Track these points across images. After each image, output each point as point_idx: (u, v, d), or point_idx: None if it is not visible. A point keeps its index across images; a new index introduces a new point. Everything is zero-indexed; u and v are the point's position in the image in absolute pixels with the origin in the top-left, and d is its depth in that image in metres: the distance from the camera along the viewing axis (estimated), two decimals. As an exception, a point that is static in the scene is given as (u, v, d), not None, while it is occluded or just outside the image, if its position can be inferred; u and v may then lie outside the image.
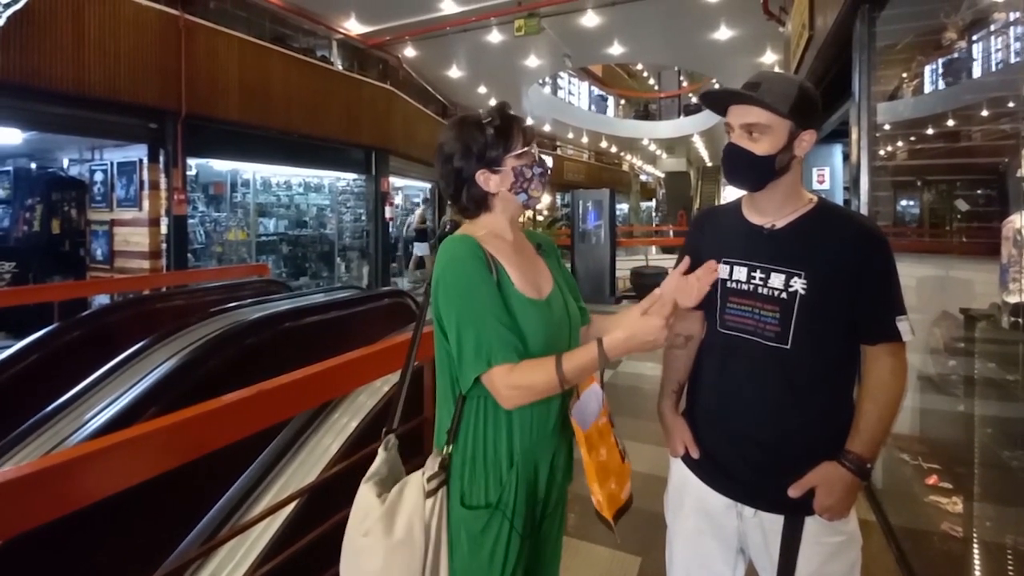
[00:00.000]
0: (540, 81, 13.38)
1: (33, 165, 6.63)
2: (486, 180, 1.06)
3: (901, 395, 1.08)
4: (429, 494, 0.96)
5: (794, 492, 1.05)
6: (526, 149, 1.07)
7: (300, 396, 1.48)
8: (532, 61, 10.33)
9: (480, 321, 0.96)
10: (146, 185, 5.85)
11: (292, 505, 1.54)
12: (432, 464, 0.99)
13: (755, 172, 1.09)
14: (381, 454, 1.07)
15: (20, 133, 5.49)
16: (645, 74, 21.66)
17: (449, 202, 1.14)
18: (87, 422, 2.28)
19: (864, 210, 2.55)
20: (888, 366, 1.06)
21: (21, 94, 4.67)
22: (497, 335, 0.95)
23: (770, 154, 1.06)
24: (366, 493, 1.00)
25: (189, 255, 6.37)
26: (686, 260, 1.08)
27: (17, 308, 4.63)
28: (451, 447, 1.01)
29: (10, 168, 6.49)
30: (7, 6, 4.34)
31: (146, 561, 1.60)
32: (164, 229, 5.94)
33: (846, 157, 4.19)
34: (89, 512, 1.05)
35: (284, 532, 1.58)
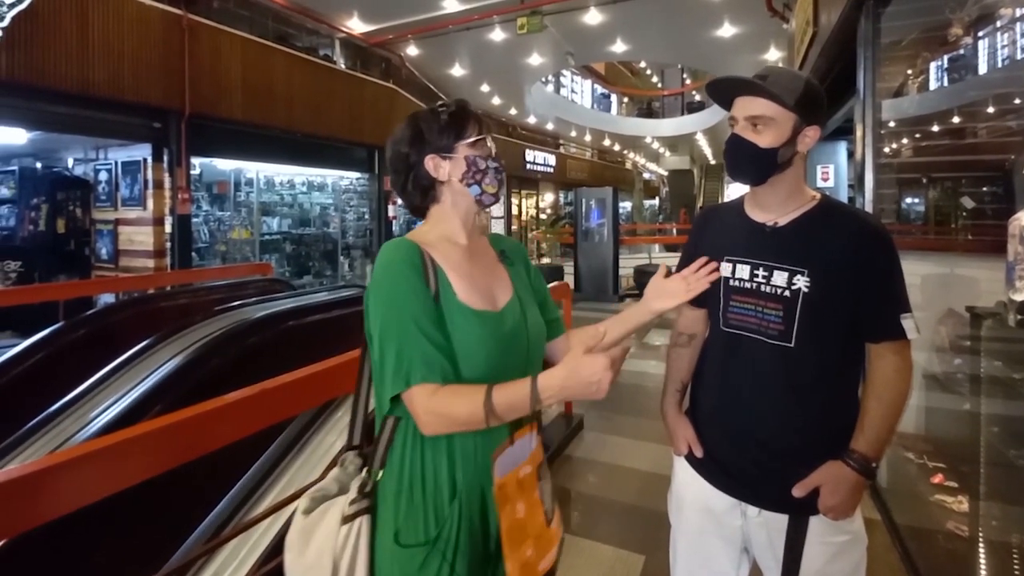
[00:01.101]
0: (543, 79, 13.36)
1: (38, 165, 6.66)
2: (436, 166, 0.99)
3: (906, 394, 1.07)
4: (345, 520, 0.87)
5: (798, 492, 1.05)
6: (481, 138, 1.01)
7: (303, 395, 1.48)
8: (535, 59, 10.31)
9: (404, 334, 0.86)
10: (150, 184, 5.87)
11: (295, 504, 1.54)
12: (356, 487, 0.90)
13: (757, 165, 1.08)
14: (335, 471, 0.98)
15: (25, 133, 5.52)
16: (648, 72, 21.61)
17: (399, 198, 1.07)
18: (92, 420, 2.29)
19: (869, 207, 2.54)
20: (893, 364, 1.06)
21: (26, 94, 4.69)
22: (420, 351, 0.86)
23: (773, 147, 1.05)
24: (301, 502, 0.93)
25: (193, 254, 6.39)
26: (663, 266, 1.09)
27: (23, 307, 4.66)
28: (379, 472, 0.92)
29: (15, 168, 6.52)
30: (11, 6, 4.35)
31: (151, 559, 1.61)
32: (168, 228, 5.96)
33: (850, 154, 4.17)
34: (93, 511, 1.06)
35: (287, 531, 1.59)
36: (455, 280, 0.94)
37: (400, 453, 0.91)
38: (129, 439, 1.10)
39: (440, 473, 0.89)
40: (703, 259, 1.10)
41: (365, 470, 0.94)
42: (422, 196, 1.02)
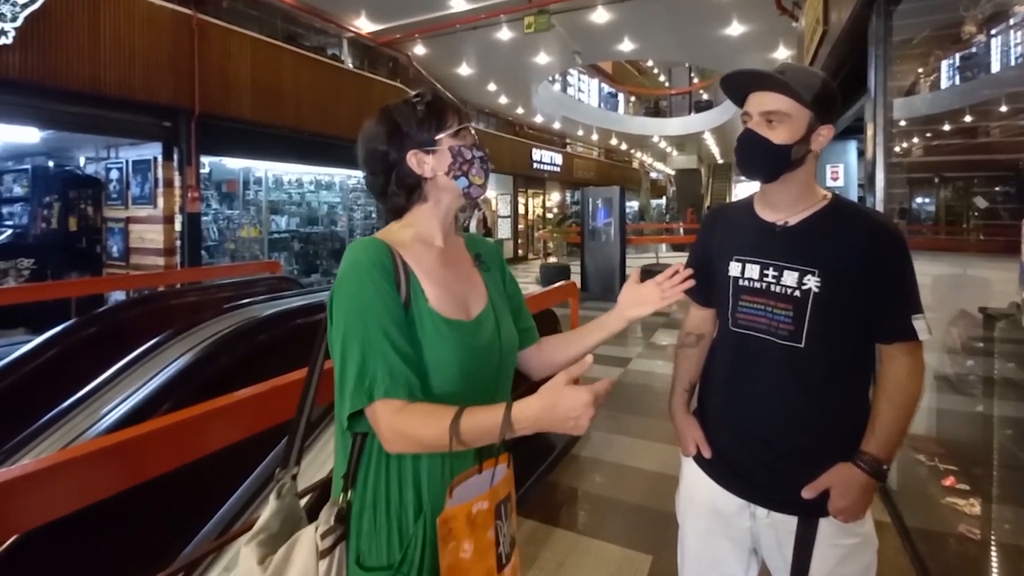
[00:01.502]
0: (550, 78, 13.34)
1: (51, 163, 6.74)
2: (420, 162, 0.91)
3: (918, 396, 1.06)
4: (323, 554, 0.79)
5: (808, 493, 1.04)
6: (463, 127, 0.94)
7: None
8: (542, 58, 10.31)
9: (368, 343, 0.79)
10: (160, 183, 5.92)
11: (304, 500, 1.55)
12: (327, 516, 0.82)
13: (770, 161, 1.06)
14: (271, 504, 0.87)
15: (38, 132, 5.58)
16: (655, 71, 21.55)
17: (377, 199, 0.97)
18: (103, 416, 2.32)
19: (880, 207, 2.51)
20: (904, 366, 1.05)
21: (39, 93, 4.75)
22: (386, 363, 0.79)
23: (787, 144, 1.04)
24: (247, 557, 0.82)
25: (203, 252, 6.44)
26: (636, 270, 1.04)
27: (35, 304, 4.72)
28: (348, 495, 0.84)
29: (28, 166, 6.60)
30: (25, 6, 4.41)
31: (162, 555, 1.63)
32: (178, 226, 6.02)
33: (860, 154, 4.13)
34: (106, 507, 1.07)
35: None
36: (428, 286, 0.88)
37: (364, 471, 0.84)
38: (139, 436, 1.11)
39: (406, 492, 0.83)
40: (677, 265, 1.06)
41: (342, 495, 0.84)
42: (407, 196, 0.94)
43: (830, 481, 1.03)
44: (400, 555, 0.81)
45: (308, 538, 0.80)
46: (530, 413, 0.73)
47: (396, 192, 0.93)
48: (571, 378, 0.73)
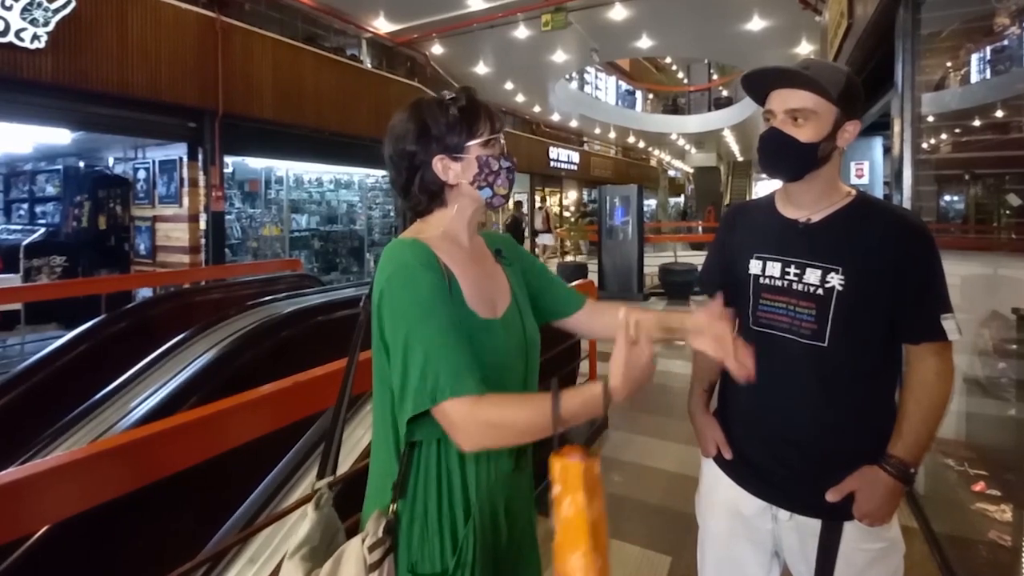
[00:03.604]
0: (567, 76, 13.28)
1: (81, 164, 6.93)
2: (445, 168, 0.89)
3: (947, 398, 1.03)
4: (372, 567, 0.76)
5: (832, 496, 1.02)
6: (493, 137, 0.91)
7: (334, 388, 1.51)
8: (559, 56, 10.27)
9: (431, 344, 0.76)
10: (186, 182, 6.05)
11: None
12: (374, 528, 0.79)
13: (797, 160, 1.04)
14: (310, 516, 0.85)
15: (69, 133, 5.75)
16: (674, 68, 21.29)
17: (399, 196, 0.95)
18: (132, 409, 2.39)
19: (907, 205, 2.46)
20: (933, 367, 1.02)
21: (70, 96, 4.89)
22: (450, 361, 0.76)
23: (814, 141, 1.02)
24: (291, 572, 0.80)
25: (226, 250, 6.57)
26: (719, 304, 0.87)
27: (67, 300, 4.87)
28: (397, 505, 0.82)
29: (60, 167, 6.81)
30: (56, 11, 4.54)
31: (190, 545, 1.67)
32: (203, 225, 6.14)
33: (886, 150, 4.03)
34: (136, 499, 1.10)
35: None
36: (464, 285, 0.87)
37: (414, 480, 0.83)
38: (167, 429, 1.14)
39: (455, 496, 0.83)
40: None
41: (391, 506, 0.82)
42: (429, 200, 0.92)
43: (855, 484, 1.02)
44: (453, 560, 0.80)
45: (355, 551, 0.78)
46: (617, 382, 0.74)
47: (418, 194, 0.92)
48: (624, 345, 0.75)
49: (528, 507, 0.95)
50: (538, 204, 15.60)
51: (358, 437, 2.04)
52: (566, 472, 0.70)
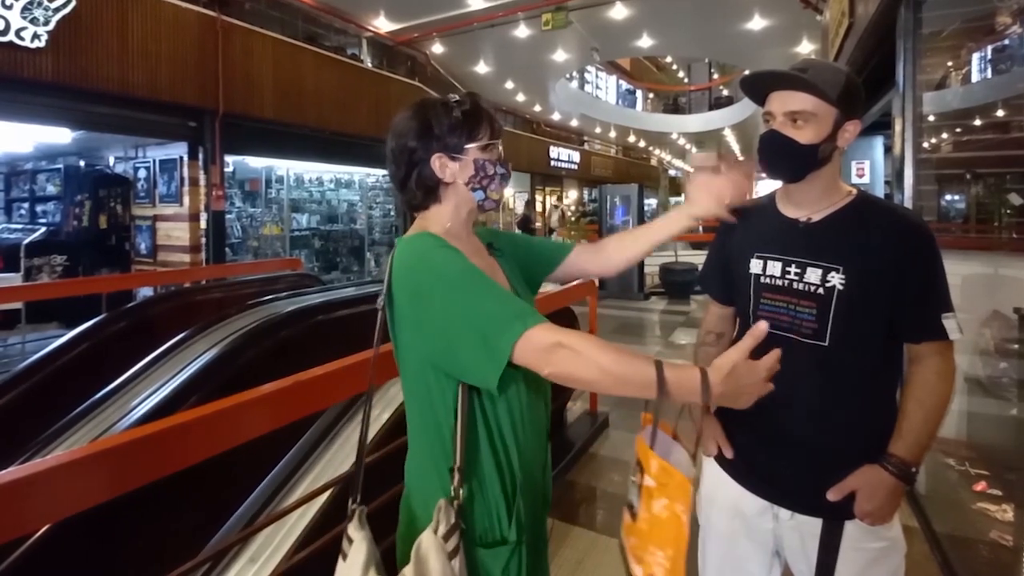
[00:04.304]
0: (567, 76, 13.27)
1: (82, 163, 6.93)
2: (442, 167, 0.93)
3: (948, 397, 1.03)
4: (452, 554, 0.79)
5: (833, 496, 1.02)
6: (492, 143, 0.95)
7: (334, 387, 1.51)
8: (559, 55, 10.26)
9: (489, 297, 0.80)
10: (186, 182, 6.05)
11: (327, 494, 1.57)
12: (446, 517, 0.81)
13: (796, 162, 1.05)
14: (360, 534, 0.86)
15: (70, 132, 5.75)
16: (675, 67, 21.26)
17: (397, 190, 0.99)
18: (133, 409, 2.38)
19: (908, 204, 2.46)
20: (934, 366, 1.02)
21: (71, 95, 4.88)
22: (516, 303, 0.80)
23: (814, 143, 1.02)
24: None
25: (227, 249, 6.57)
26: (703, 160, 0.96)
27: (68, 299, 4.87)
28: (462, 490, 0.84)
29: (61, 166, 6.81)
30: (56, 10, 4.54)
31: (190, 544, 1.67)
32: (203, 224, 6.14)
33: (887, 150, 4.03)
34: (134, 498, 1.10)
35: (319, 520, 1.63)
36: None
37: (470, 459, 0.86)
38: (167, 429, 1.14)
39: (505, 467, 0.88)
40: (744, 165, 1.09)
41: (453, 496, 0.84)
42: (424, 195, 0.95)
43: (856, 483, 1.01)
44: (512, 529, 0.86)
45: (432, 544, 0.79)
46: (718, 387, 0.74)
47: (414, 189, 0.95)
48: (746, 351, 0.74)
49: (549, 480, 1.03)
50: (554, 203, 16.09)
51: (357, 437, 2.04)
52: (669, 478, 0.73)
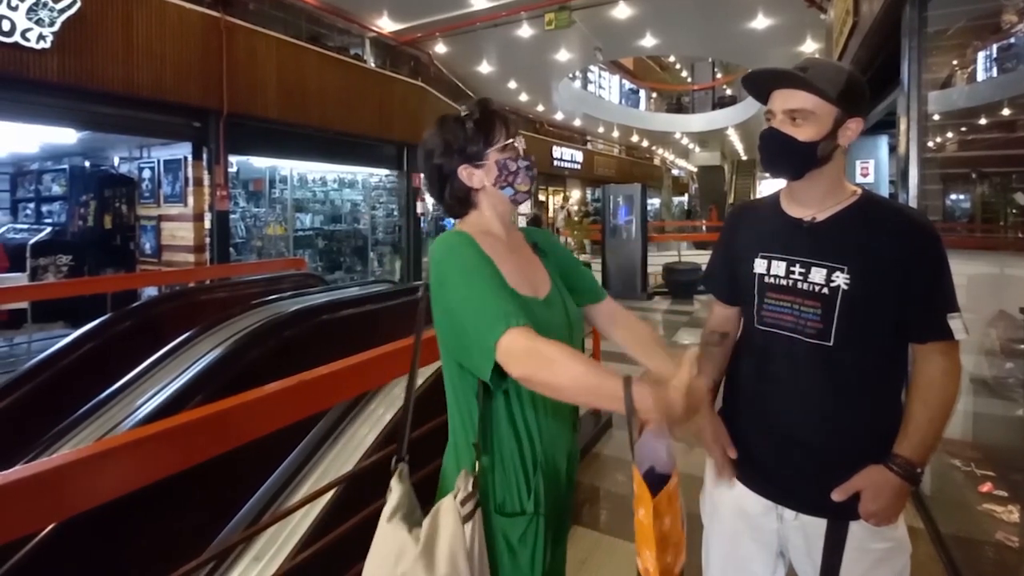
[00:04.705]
0: (570, 75, 13.25)
1: (87, 163, 6.96)
2: (469, 176, 1.02)
3: (954, 397, 1.03)
4: (467, 518, 0.87)
5: (838, 496, 1.02)
6: (509, 142, 1.03)
7: (338, 387, 1.51)
8: (562, 55, 10.25)
9: (486, 294, 0.87)
10: (191, 182, 6.07)
11: (331, 493, 1.58)
12: (464, 484, 0.90)
13: (795, 159, 1.05)
14: (397, 487, 0.97)
15: (75, 133, 5.77)
16: (678, 66, 21.23)
17: (437, 203, 1.09)
18: (137, 408, 2.40)
19: (913, 204, 2.44)
20: (940, 366, 1.02)
21: (76, 95, 4.90)
22: (507, 303, 0.85)
23: (813, 141, 1.02)
24: (395, 532, 0.90)
25: (231, 249, 6.58)
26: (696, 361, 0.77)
27: (74, 299, 4.89)
28: (481, 461, 0.93)
29: (66, 166, 6.84)
30: (62, 11, 4.56)
31: (195, 543, 1.68)
32: (208, 224, 6.16)
33: (892, 149, 4.01)
34: (138, 497, 1.11)
35: (323, 519, 1.63)
36: (504, 268, 0.97)
37: (492, 436, 0.95)
38: (171, 428, 1.14)
39: (525, 449, 0.95)
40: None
41: (475, 464, 0.92)
42: (460, 204, 1.05)
43: (861, 483, 1.01)
44: (531, 501, 0.93)
45: (449, 507, 0.88)
46: (647, 397, 0.73)
47: (450, 201, 1.05)
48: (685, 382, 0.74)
49: (575, 467, 1.08)
50: (559, 203, 16.21)
51: (362, 436, 2.05)
52: (641, 488, 0.81)
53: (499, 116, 1.03)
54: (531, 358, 0.79)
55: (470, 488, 0.89)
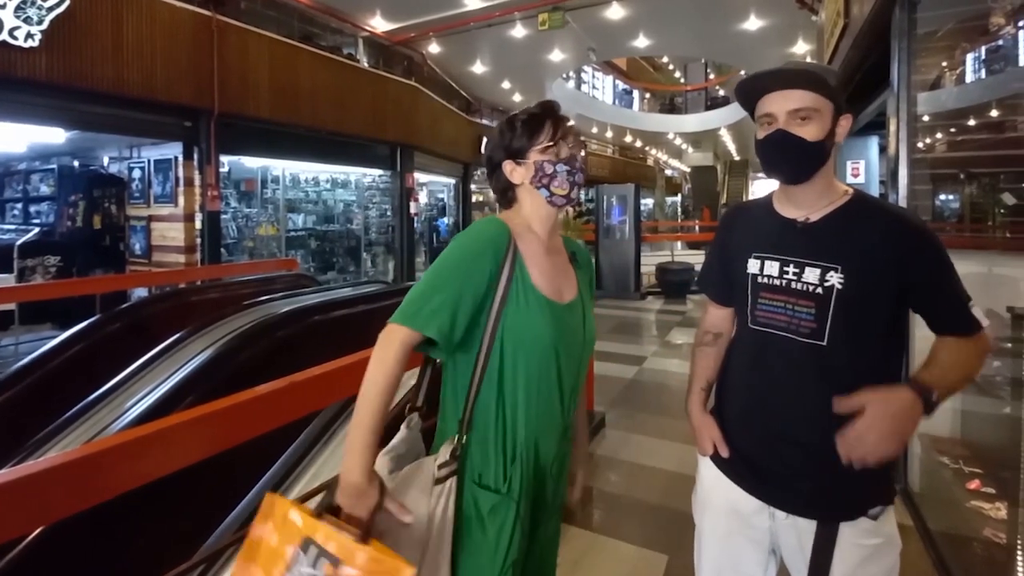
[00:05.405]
0: (564, 75, 13.28)
1: (76, 163, 6.89)
2: (511, 171, 1.08)
3: (980, 360, 1.03)
4: (437, 481, 0.94)
5: (841, 407, 0.94)
6: (551, 144, 1.05)
7: (330, 388, 1.51)
8: (556, 55, 10.27)
9: (438, 288, 0.93)
10: (181, 182, 6.02)
11: (323, 494, 1.57)
12: (446, 451, 0.97)
13: (806, 160, 1.04)
14: (402, 432, 1.05)
15: (64, 132, 5.71)
16: (671, 67, 21.30)
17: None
18: (127, 410, 2.37)
19: (903, 204, 2.47)
20: (971, 347, 1.02)
21: (64, 94, 4.85)
22: (436, 304, 0.92)
23: (820, 139, 1.02)
24: (380, 466, 0.97)
25: (222, 250, 6.54)
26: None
27: (62, 300, 4.84)
28: (466, 436, 0.99)
29: (55, 166, 6.77)
30: (50, 9, 4.51)
31: (186, 545, 1.66)
32: (199, 224, 6.11)
33: (882, 150, 4.04)
34: (130, 499, 1.09)
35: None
36: (531, 267, 1.02)
37: (479, 416, 0.99)
38: (162, 430, 1.14)
39: (507, 433, 0.99)
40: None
41: (456, 437, 0.98)
42: (502, 196, 1.12)
43: (869, 396, 0.92)
44: (505, 483, 0.98)
45: (427, 466, 0.97)
46: (347, 487, 0.88)
47: (497, 191, 1.12)
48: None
49: (565, 465, 1.12)
50: None
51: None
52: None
53: (552, 118, 1.07)
54: (377, 357, 0.91)
55: (448, 456, 0.96)
